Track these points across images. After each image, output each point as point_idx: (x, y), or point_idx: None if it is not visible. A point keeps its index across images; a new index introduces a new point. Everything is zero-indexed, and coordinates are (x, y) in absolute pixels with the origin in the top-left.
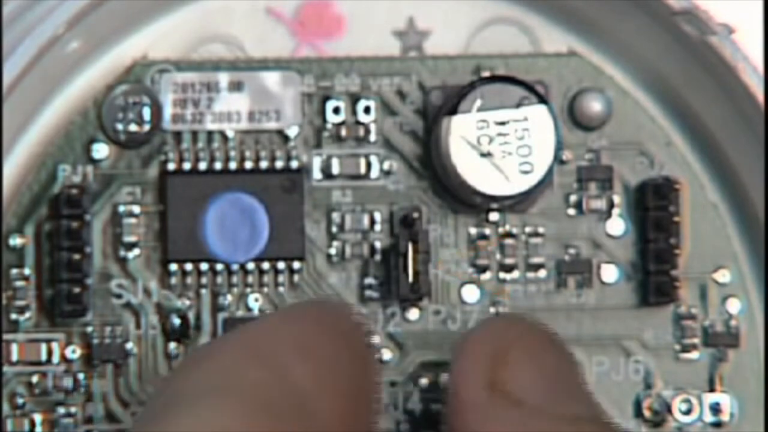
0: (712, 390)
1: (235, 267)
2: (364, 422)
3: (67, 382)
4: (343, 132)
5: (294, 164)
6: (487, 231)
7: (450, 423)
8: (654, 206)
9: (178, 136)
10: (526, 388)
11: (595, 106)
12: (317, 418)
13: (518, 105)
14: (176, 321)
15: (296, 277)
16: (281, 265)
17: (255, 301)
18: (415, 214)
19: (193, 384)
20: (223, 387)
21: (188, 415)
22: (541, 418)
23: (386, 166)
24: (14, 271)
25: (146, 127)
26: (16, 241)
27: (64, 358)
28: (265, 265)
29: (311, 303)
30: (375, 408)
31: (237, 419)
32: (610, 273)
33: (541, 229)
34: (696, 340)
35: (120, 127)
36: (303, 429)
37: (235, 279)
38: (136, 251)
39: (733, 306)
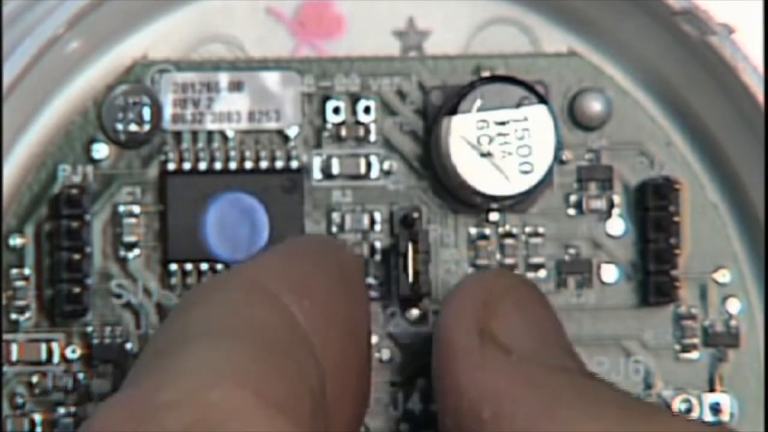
0: (712, 390)
1: None
2: (360, 357)
3: (67, 382)
4: (343, 132)
5: (294, 164)
6: (487, 231)
7: (439, 368)
8: (654, 206)
9: (178, 136)
10: (515, 338)
11: (595, 106)
12: (318, 355)
13: (518, 105)
14: None
15: None
16: None
17: None
18: (415, 214)
19: (194, 323)
20: (231, 327)
21: (197, 353)
22: (531, 365)
23: (386, 166)
24: (14, 271)
25: (146, 127)
26: (16, 241)
27: (64, 358)
28: None
29: (308, 238)
30: (368, 341)
31: (236, 356)
32: (610, 273)
33: (541, 229)
34: (696, 340)
35: (120, 127)
36: (300, 361)
37: None
38: (136, 251)
39: (733, 306)
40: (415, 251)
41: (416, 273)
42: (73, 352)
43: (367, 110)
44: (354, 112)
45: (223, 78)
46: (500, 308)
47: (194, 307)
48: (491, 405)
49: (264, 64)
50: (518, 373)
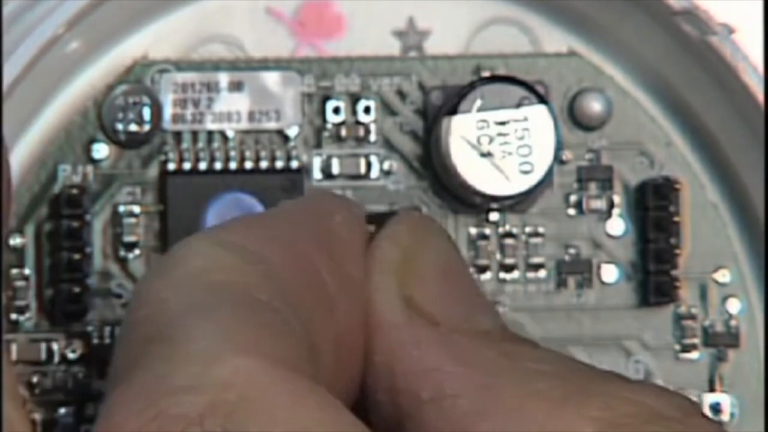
0: (712, 390)
1: None
2: (337, 321)
3: (67, 382)
4: (343, 132)
5: (294, 164)
6: (487, 231)
7: (370, 339)
8: (654, 206)
9: (178, 136)
10: (439, 305)
11: (595, 106)
12: (293, 305)
13: (518, 105)
14: None
15: None
16: None
17: None
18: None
19: (177, 301)
20: (209, 296)
21: (191, 332)
22: (461, 337)
23: (386, 166)
24: (14, 271)
25: (146, 127)
26: (16, 241)
27: (64, 358)
28: None
29: (291, 202)
30: (356, 304)
31: (233, 324)
32: (610, 273)
33: (541, 229)
34: (696, 340)
35: (120, 127)
36: (287, 318)
37: None
38: (136, 251)
39: (733, 306)
40: None
41: None
42: (73, 352)
43: (367, 110)
44: (354, 112)
45: (223, 78)
46: (419, 270)
47: (164, 282)
48: (429, 385)
49: (264, 64)
50: (451, 349)
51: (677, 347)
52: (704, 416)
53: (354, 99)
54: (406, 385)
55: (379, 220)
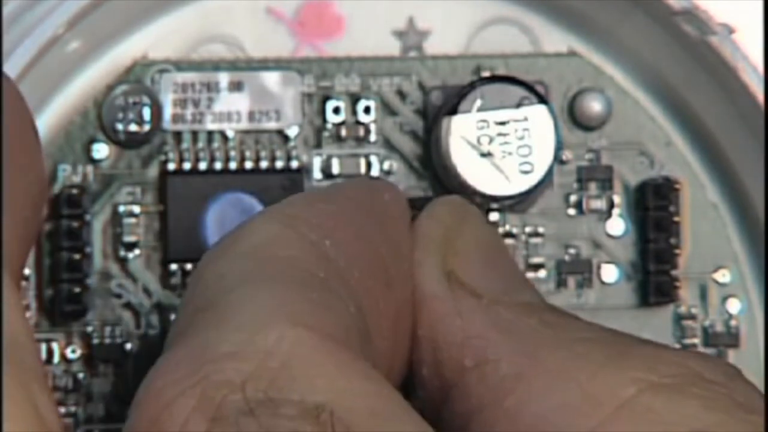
0: None
1: None
2: (393, 297)
3: (67, 382)
4: (343, 132)
5: (294, 164)
6: None
7: (414, 314)
8: (654, 206)
9: (178, 136)
10: (480, 279)
11: (595, 106)
12: (349, 283)
13: (518, 105)
14: None
15: None
16: None
17: None
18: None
19: (231, 272)
20: (267, 270)
21: (241, 301)
22: (503, 308)
23: (386, 166)
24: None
25: (146, 127)
26: None
27: (64, 358)
28: None
29: (343, 183)
30: (407, 280)
31: (283, 296)
32: (610, 273)
33: (541, 229)
34: (696, 340)
35: (120, 127)
36: (341, 296)
37: None
38: (136, 251)
39: (733, 306)
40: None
41: None
42: (73, 352)
43: (367, 110)
44: (354, 112)
45: (223, 78)
46: (459, 246)
47: (223, 259)
48: (472, 353)
49: (264, 64)
50: (493, 319)
51: (677, 347)
52: (748, 382)
53: (354, 99)
54: (450, 355)
55: (417, 203)
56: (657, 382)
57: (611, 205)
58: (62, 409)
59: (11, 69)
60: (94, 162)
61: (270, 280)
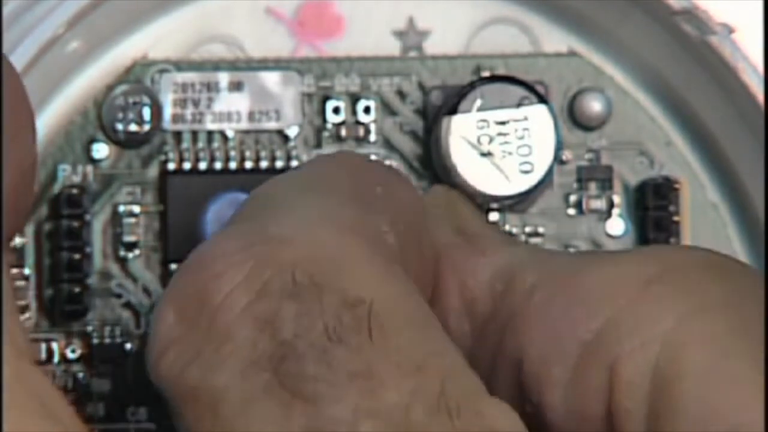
0: None
1: None
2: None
3: (67, 382)
4: (343, 132)
5: (294, 164)
6: None
7: (436, 268)
8: (654, 206)
9: (178, 136)
10: (486, 230)
11: (595, 106)
12: (397, 223)
13: (518, 105)
14: None
15: None
16: None
17: None
18: None
19: (284, 189)
20: (320, 185)
21: (299, 201)
22: (516, 247)
23: None
24: (14, 271)
25: (146, 127)
26: (16, 241)
27: (64, 358)
28: None
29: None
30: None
31: (339, 207)
32: None
33: (541, 229)
34: None
35: (120, 127)
36: (391, 224)
37: None
38: (136, 251)
39: None
40: None
41: None
42: (73, 352)
43: (367, 110)
44: (354, 112)
45: (223, 78)
46: (461, 210)
47: (285, 178)
48: (501, 278)
49: (264, 64)
50: (512, 252)
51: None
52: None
53: (354, 99)
54: (480, 290)
55: None
56: (681, 261)
57: (611, 205)
58: None
59: None
60: (94, 162)
61: (325, 192)
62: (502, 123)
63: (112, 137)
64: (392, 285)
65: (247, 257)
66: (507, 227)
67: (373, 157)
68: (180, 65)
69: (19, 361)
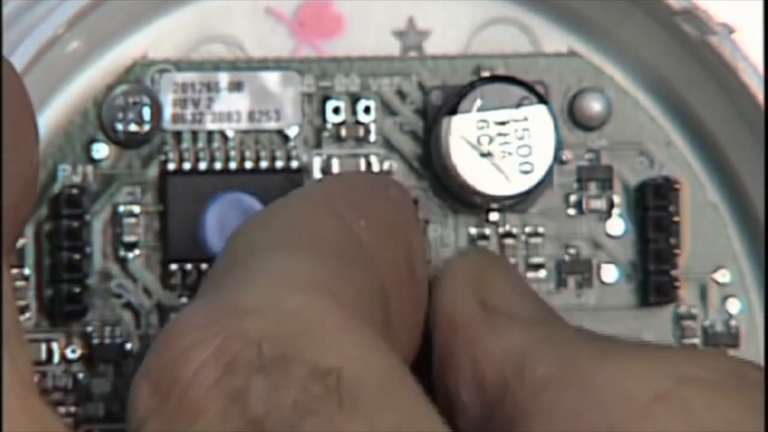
0: None
1: None
2: (418, 282)
3: (67, 382)
4: (343, 132)
5: (294, 164)
6: (487, 231)
7: (447, 345)
8: (654, 206)
9: (178, 136)
10: (513, 305)
11: (595, 106)
12: (378, 266)
13: (518, 105)
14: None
15: None
16: None
17: None
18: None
19: (264, 238)
20: (301, 239)
21: (272, 262)
22: (537, 326)
23: (386, 166)
24: (14, 271)
25: (146, 127)
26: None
27: (64, 358)
28: None
29: (359, 172)
30: (425, 266)
31: (312, 265)
32: (610, 273)
33: (541, 229)
34: (696, 340)
35: (120, 127)
36: (368, 275)
37: None
38: (136, 251)
39: (733, 306)
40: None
41: None
42: (73, 352)
43: (367, 110)
44: (354, 112)
45: (223, 78)
46: (491, 281)
47: (261, 225)
48: (512, 363)
49: (264, 64)
50: (529, 333)
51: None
52: None
53: (354, 99)
54: (491, 371)
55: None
56: (695, 376)
57: (611, 205)
58: (62, 409)
59: None
60: (94, 162)
61: (298, 248)
62: (502, 123)
63: (112, 137)
64: (366, 351)
65: (216, 331)
66: (507, 227)
67: (373, 158)
68: (180, 65)
69: (22, 390)
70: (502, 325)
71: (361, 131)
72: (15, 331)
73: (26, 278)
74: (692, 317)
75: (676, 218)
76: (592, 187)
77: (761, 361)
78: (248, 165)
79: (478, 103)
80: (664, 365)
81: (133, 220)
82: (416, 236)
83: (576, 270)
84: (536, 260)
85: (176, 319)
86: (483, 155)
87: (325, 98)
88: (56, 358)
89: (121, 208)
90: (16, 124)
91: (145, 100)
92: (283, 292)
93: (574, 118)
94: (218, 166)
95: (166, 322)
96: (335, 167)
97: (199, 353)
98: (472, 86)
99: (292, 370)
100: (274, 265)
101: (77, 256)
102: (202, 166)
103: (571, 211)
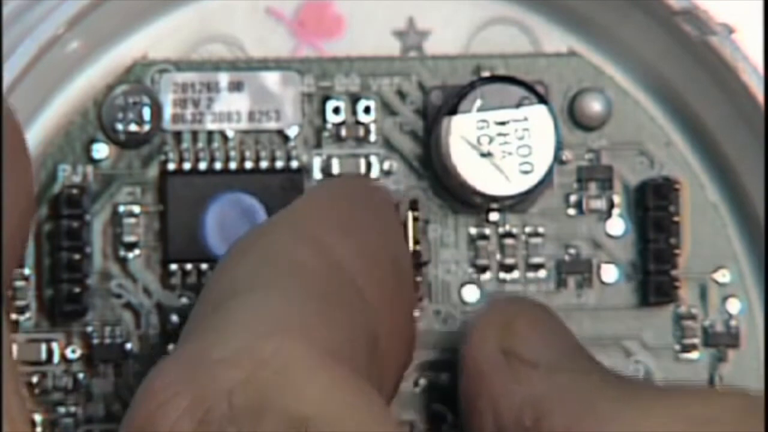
0: None
1: None
2: (407, 295)
3: (67, 382)
4: (343, 132)
5: (294, 164)
6: (487, 231)
7: (471, 391)
8: (654, 206)
9: (178, 136)
10: (537, 352)
11: (595, 106)
12: (362, 290)
13: (518, 105)
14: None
15: None
16: None
17: None
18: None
19: (243, 276)
20: (278, 278)
21: (247, 306)
22: (560, 373)
23: (386, 166)
24: (14, 271)
25: (146, 127)
26: None
27: (64, 358)
28: None
29: (342, 180)
30: (412, 279)
31: (289, 305)
32: (610, 273)
33: (541, 229)
34: (696, 340)
35: (120, 127)
36: (349, 308)
37: None
38: (136, 251)
39: (733, 306)
40: (415, 219)
41: (416, 241)
42: (73, 352)
43: (367, 110)
44: (354, 112)
45: (223, 78)
46: (518, 328)
47: (240, 260)
48: (531, 412)
49: (264, 64)
50: (551, 381)
51: (677, 347)
52: None
53: (354, 99)
54: (512, 420)
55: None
56: (712, 417)
57: (611, 205)
58: (62, 409)
59: (11, 69)
60: (94, 162)
61: (277, 288)
62: (502, 123)
63: (112, 137)
64: (342, 394)
65: (190, 384)
66: (507, 227)
67: (373, 158)
68: (180, 65)
69: None
70: (524, 374)
71: (361, 131)
72: (12, 384)
73: (26, 278)
74: (692, 317)
75: (676, 218)
76: (592, 187)
77: (761, 361)
78: (248, 165)
79: (478, 103)
80: (682, 407)
81: (133, 220)
82: (400, 239)
83: (576, 270)
84: (536, 260)
85: (155, 371)
86: (483, 155)
87: (325, 98)
88: (56, 358)
89: (121, 208)
90: (9, 155)
91: (145, 100)
92: (258, 339)
93: (574, 118)
94: (218, 166)
95: (166, 323)
96: (335, 167)
97: (175, 407)
98: (472, 86)
99: (264, 420)
100: (250, 308)
101: (77, 256)
102: (202, 166)
103: (571, 211)
